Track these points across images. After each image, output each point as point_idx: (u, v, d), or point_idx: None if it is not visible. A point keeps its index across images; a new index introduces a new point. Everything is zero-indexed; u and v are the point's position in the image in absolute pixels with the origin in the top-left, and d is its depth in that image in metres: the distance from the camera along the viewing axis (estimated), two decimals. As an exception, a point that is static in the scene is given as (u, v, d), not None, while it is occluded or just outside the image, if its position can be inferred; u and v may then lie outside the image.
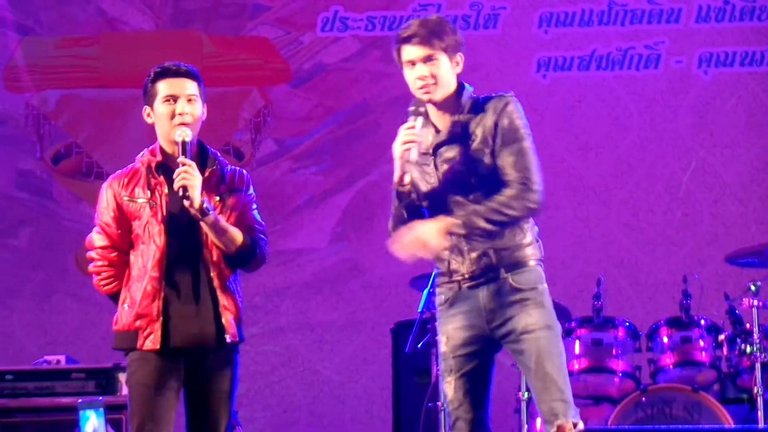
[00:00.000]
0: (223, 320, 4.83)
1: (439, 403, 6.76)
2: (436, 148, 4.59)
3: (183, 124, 4.82)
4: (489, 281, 4.55)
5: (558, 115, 9.17)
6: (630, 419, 7.11)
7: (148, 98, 4.90)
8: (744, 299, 7.14)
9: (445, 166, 4.57)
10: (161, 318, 4.79)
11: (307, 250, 9.34)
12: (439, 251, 4.51)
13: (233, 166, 5.03)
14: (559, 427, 4.42)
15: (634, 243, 9.12)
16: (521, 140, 4.53)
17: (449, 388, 4.59)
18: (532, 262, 4.58)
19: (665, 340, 7.40)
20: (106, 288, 4.94)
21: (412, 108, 4.57)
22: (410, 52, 4.57)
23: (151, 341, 4.79)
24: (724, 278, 8.56)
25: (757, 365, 7.01)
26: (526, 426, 7.07)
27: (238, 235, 4.84)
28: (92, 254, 4.95)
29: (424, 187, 4.61)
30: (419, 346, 6.73)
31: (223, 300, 4.84)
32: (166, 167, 4.86)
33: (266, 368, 9.15)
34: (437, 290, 4.68)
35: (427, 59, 4.55)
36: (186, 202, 4.73)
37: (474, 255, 4.55)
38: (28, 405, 6.76)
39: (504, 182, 4.52)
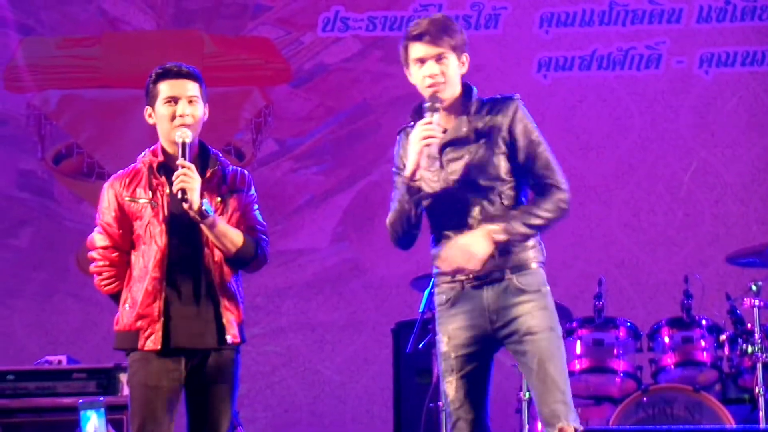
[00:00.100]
0: (224, 321, 4.83)
1: (440, 404, 6.76)
2: (443, 147, 4.58)
3: (183, 125, 4.82)
4: (493, 281, 4.54)
5: (559, 115, 9.17)
6: (631, 419, 7.11)
7: (150, 99, 4.90)
8: (745, 299, 7.14)
9: (452, 166, 4.57)
10: (162, 318, 4.79)
11: (308, 250, 9.34)
12: (485, 260, 4.50)
13: (234, 167, 5.03)
14: (560, 429, 4.41)
15: (635, 243, 9.13)
16: (540, 143, 4.56)
17: (450, 388, 4.58)
18: (534, 264, 4.58)
19: (666, 340, 7.40)
20: (107, 288, 4.94)
21: (427, 104, 4.53)
22: (420, 49, 4.55)
23: (152, 342, 4.79)
24: (725, 278, 8.56)
25: (759, 365, 7.00)
26: (527, 426, 7.06)
27: (238, 237, 4.84)
28: (93, 254, 4.95)
29: (428, 187, 4.59)
30: (420, 346, 6.73)
31: (224, 301, 4.84)
32: (167, 168, 4.86)
33: (267, 368, 9.15)
34: (437, 290, 4.66)
35: (438, 58, 4.55)
36: (185, 205, 4.73)
37: (480, 255, 4.56)
38: (30, 405, 6.75)
39: (513, 184, 4.54)
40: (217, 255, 4.84)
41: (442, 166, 4.56)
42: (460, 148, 4.56)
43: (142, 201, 4.86)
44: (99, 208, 4.96)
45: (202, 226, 4.78)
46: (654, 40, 9.26)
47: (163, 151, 4.90)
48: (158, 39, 9.54)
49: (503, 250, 4.52)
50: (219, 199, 4.88)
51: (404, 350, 7.01)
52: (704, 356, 7.32)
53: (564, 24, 9.31)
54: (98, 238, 4.94)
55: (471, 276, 4.53)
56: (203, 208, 4.74)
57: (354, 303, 9.23)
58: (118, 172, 4.98)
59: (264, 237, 4.96)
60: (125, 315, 4.86)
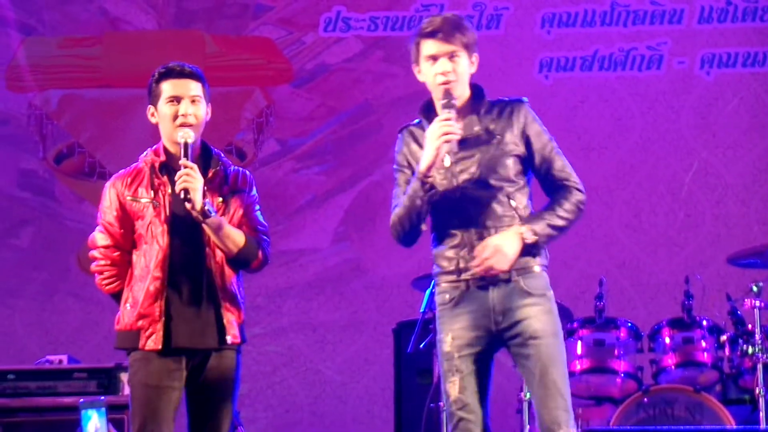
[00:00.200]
0: (225, 321, 4.83)
1: (441, 404, 6.75)
2: None
3: (186, 125, 4.82)
4: (499, 282, 4.54)
5: (560, 115, 9.16)
6: (632, 420, 7.11)
7: (152, 98, 4.90)
8: (746, 300, 7.14)
9: (462, 165, 4.56)
10: (163, 318, 4.79)
11: (310, 251, 9.34)
12: (515, 261, 4.50)
13: (237, 167, 5.03)
14: (561, 437, 4.44)
15: (636, 244, 9.12)
16: (554, 146, 4.62)
17: (452, 388, 4.57)
18: (538, 268, 4.59)
19: (667, 340, 7.40)
20: (108, 287, 4.94)
21: (444, 101, 4.54)
22: (433, 46, 4.56)
23: (153, 341, 4.79)
24: (726, 279, 8.55)
25: (759, 366, 7.00)
26: (527, 427, 7.06)
27: (240, 237, 4.84)
28: (95, 253, 4.95)
29: (436, 184, 4.57)
30: (421, 346, 6.72)
31: (225, 301, 4.84)
32: (169, 167, 4.86)
33: (268, 368, 9.15)
34: (438, 289, 4.65)
35: (450, 55, 4.56)
36: (188, 205, 4.73)
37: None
38: (30, 405, 6.75)
39: (521, 186, 4.58)
40: (219, 255, 4.84)
41: (450, 164, 4.55)
42: (472, 148, 4.56)
43: (143, 200, 4.86)
44: (100, 208, 4.96)
45: (204, 227, 4.78)
46: (655, 40, 9.26)
47: (165, 150, 4.90)
48: (159, 39, 9.54)
49: None
50: (221, 199, 4.88)
51: (405, 350, 7.00)
52: (705, 357, 7.32)
53: (565, 24, 9.31)
54: (99, 238, 4.93)
55: (477, 275, 4.53)
56: (206, 208, 4.74)
57: (355, 303, 9.23)
58: (120, 171, 4.98)
59: (265, 237, 4.96)
60: (126, 314, 4.86)
